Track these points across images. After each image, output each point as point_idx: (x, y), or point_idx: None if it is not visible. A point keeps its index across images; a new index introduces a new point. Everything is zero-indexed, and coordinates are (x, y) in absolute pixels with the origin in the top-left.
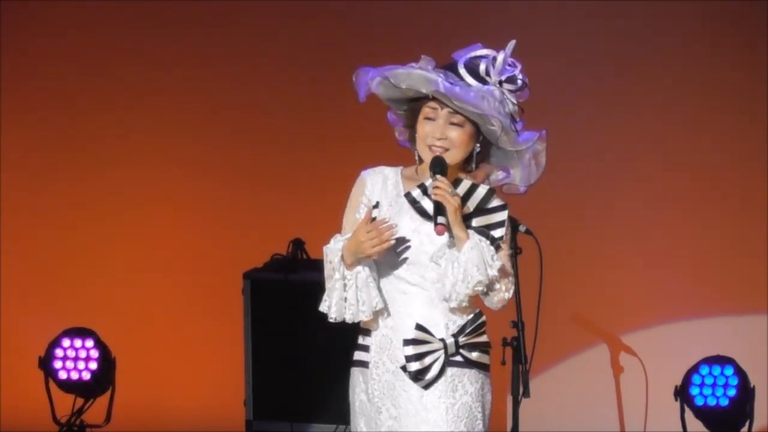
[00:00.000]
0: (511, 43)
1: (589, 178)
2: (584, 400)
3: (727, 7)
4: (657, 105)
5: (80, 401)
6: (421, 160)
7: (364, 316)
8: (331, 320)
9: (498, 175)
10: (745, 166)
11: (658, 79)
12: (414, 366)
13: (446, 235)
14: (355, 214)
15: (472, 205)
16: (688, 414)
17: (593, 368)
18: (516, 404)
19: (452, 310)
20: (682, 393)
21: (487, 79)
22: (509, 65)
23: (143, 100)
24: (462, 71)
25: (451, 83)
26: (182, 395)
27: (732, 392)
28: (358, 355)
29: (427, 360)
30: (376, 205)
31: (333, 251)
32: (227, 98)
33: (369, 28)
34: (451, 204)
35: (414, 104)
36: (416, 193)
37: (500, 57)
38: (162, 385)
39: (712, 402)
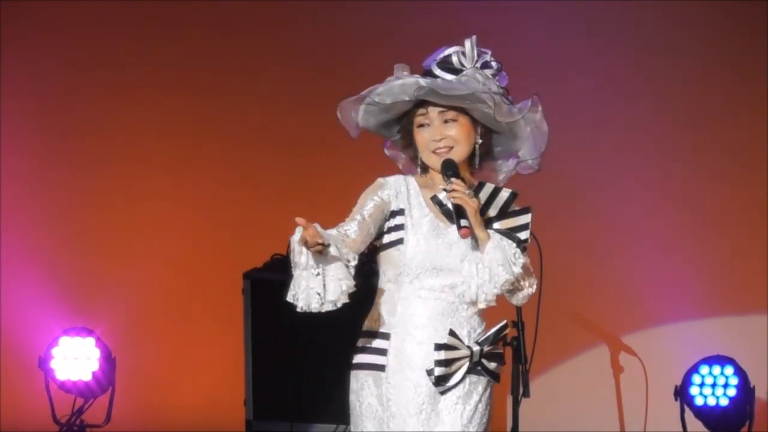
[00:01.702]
0: (470, 38)
1: (590, 178)
2: (584, 400)
3: (727, 7)
4: (657, 106)
5: (80, 401)
6: (426, 170)
7: (330, 306)
8: (299, 310)
9: (508, 165)
10: (745, 166)
11: (658, 80)
12: (440, 371)
13: (468, 237)
14: (368, 204)
15: (495, 208)
16: (688, 414)
17: (593, 368)
18: (516, 404)
19: (473, 318)
20: (682, 393)
21: (463, 69)
22: (480, 52)
23: (143, 100)
24: (438, 72)
25: (431, 79)
26: (182, 395)
27: (732, 392)
28: (369, 359)
29: (454, 366)
30: (401, 212)
31: (293, 241)
32: (228, 98)
33: (371, 29)
34: (471, 206)
35: (405, 122)
36: (442, 195)
37: (467, 44)
38: (162, 385)
39: (712, 402)
